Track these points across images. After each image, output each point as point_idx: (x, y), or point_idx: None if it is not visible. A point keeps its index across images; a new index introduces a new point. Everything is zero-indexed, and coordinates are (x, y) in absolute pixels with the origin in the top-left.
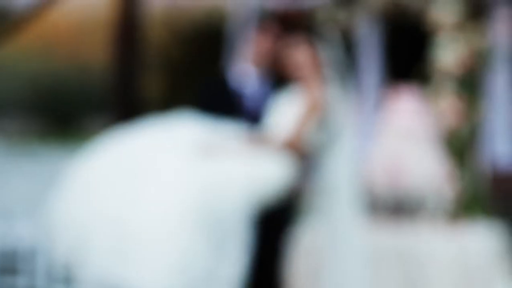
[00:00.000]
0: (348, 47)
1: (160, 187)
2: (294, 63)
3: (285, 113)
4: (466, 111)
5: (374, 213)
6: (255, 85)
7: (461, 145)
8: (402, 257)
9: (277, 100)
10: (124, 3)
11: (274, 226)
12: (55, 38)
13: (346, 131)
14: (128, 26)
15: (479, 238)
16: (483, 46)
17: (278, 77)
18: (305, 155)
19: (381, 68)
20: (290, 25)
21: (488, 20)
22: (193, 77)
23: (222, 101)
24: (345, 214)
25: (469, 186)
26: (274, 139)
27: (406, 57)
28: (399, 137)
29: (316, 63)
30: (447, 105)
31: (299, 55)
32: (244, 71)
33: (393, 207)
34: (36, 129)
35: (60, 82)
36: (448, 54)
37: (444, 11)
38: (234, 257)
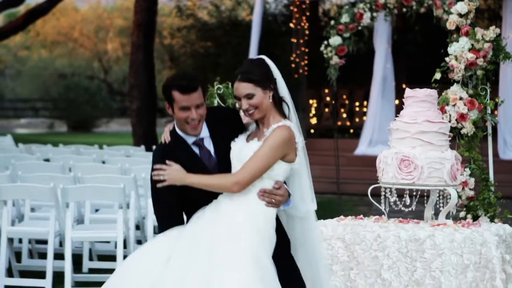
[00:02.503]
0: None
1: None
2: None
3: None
4: (479, 102)
5: (385, 203)
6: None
7: (473, 136)
8: (415, 246)
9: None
10: (141, 6)
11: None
12: (79, 38)
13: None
14: (146, 27)
15: (490, 226)
16: (495, 39)
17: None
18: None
19: (396, 63)
20: None
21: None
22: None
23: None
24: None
25: (480, 175)
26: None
27: (420, 52)
28: (410, 128)
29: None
30: (459, 96)
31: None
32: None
33: (404, 197)
34: (59, 126)
35: (83, 80)
36: (460, 47)
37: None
38: None
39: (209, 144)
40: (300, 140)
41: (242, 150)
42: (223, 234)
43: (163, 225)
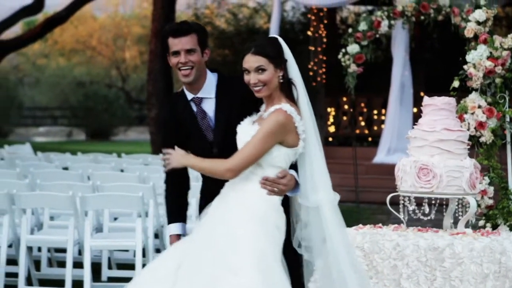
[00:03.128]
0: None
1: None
2: None
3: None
4: (498, 110)
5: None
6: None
7: (492, 144)
8: (434, 255)
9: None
10: (159, 14)
11: None
12: (97, 47)
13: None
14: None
15: (510, 235)
16: None
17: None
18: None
19: (414, 70)
20: None
21: None
22: None
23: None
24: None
25: (499, 184)
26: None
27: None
28: (428, 136)
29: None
30: (478, 105)
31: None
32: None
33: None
34: (78, 134)
35: (101, 89)
36: (479, 55)
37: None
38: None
39: (209, 106)
40: (301, 123)
41: (242, 136)
42: (226, 233)
43: (166, 193)
